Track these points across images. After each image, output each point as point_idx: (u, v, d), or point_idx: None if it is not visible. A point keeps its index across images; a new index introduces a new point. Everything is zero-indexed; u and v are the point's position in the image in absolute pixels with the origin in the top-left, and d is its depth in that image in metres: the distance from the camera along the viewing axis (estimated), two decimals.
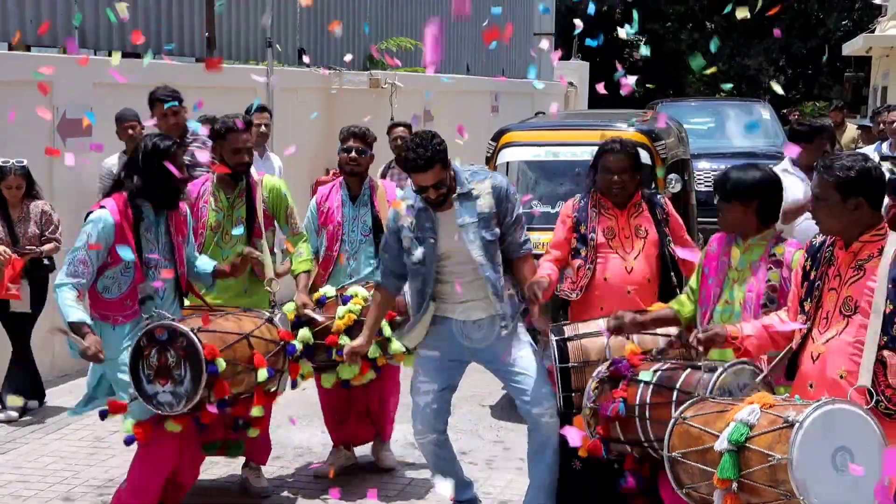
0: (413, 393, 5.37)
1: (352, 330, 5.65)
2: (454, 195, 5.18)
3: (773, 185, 4.66)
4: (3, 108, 7.40)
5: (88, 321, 4.89)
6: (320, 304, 5.84)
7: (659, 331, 4.92)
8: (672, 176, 7.71)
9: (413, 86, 12.92)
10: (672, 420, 4.04)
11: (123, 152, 7.90)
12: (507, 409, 7.11)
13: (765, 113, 16.27)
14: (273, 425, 6.54)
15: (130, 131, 7.85)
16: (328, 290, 5.91)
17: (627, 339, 4.89)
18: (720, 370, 4.23)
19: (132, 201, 5.05)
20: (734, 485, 3.72)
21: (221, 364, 4.75)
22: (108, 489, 5.81)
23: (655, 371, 4.51)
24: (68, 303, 4.89)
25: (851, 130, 13.34)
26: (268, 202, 5.94)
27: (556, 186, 7.85)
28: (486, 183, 5.22)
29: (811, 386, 3.92)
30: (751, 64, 33.67)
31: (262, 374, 5.01)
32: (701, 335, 4.28)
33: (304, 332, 5.70)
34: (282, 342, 5.24)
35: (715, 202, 4.70)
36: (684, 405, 4.07)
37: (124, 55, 10.09)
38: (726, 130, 15.74)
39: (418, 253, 5.19)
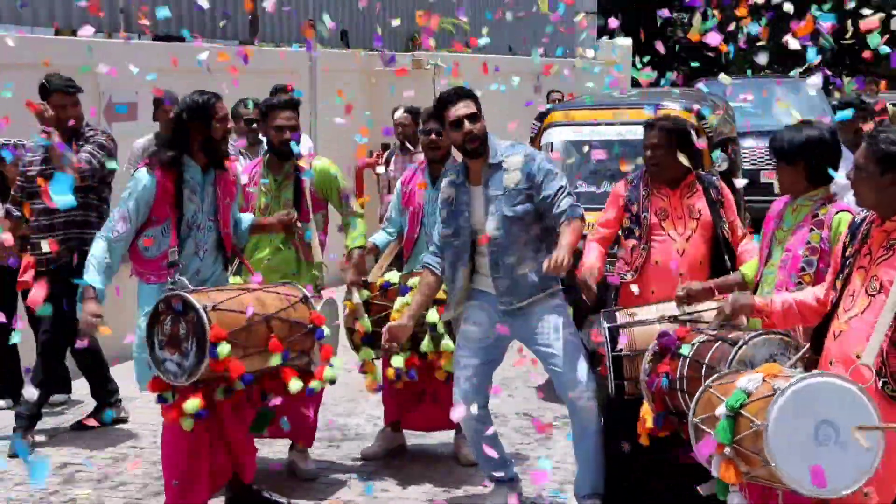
0: (454, 367, 5.35)
1: None
2: (486, 164, 5.14)
3: (823, 145, 4.51)
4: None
5: (96, 285, 4.92)
6: (383, 290, 5.84)
7: (712, 304, 4.83)
8: (718, 154, 7.61)
9: (454, 65, 12.84)
10: (701, 388, 4.04)
11: (157, 134, 7.98)
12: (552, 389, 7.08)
13: (811, 90, 16.02)
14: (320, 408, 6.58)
15: (170, 115, 7.90)
16: (392, 277, 5.90)
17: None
18: (740, 343, 4.26)
19: (170, 159, 5.06)
20: (728, 450, 3.70)
21: (224, 349, 4.69)
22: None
23: (693, 344, 4.55)
24: (92, 260, 4.97)
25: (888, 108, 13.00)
26: (317, 184, 5.94)
27: (601, 166, 7.78)
28: (518, 157, 5.13)
29: (831, 363, 3.88)
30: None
31: (276, 359, 4.90)
32: (727, 309, 4.28)
33: (364, 321, 5.73)
34: (311, 325, 5.09)
35: (761, 178, 4.68)
36: (715, 375, 4.07)
37: (168, 39, 10.21)
38: (772, 107, 15.52)
39: (453, 225, 5.19)
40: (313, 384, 5.12)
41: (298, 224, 5.61)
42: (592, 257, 5.52)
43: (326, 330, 5.14)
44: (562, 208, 5.02)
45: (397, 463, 6.12)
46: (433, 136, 5.98)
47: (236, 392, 4.94)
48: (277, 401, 5.06)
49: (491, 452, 5.30)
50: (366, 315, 5.81)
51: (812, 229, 4.45)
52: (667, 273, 5.38)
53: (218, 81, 7.98)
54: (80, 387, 7.19)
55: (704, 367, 4.40)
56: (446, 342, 5.65)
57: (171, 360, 4.77)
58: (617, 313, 5.16)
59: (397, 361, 5.69)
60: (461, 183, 5.22)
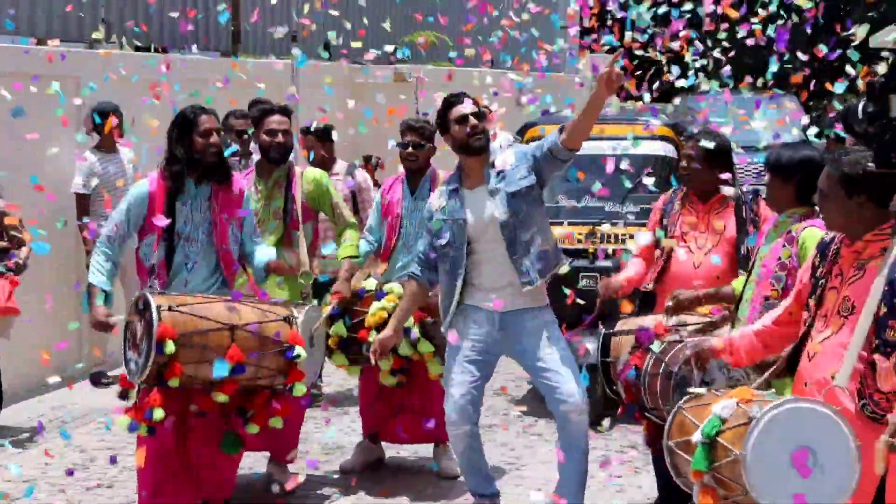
0: (447, 384, 5.34)
1: (383, 327, 5.63)
2: (487, 163, 5.21)
3: (817, 166, 4.47)
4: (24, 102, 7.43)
5: (104, 287, 5.10)
6: (359, 296, 5.88)
7: (698, 318, 4.97)
8: None
9: (438, 80, 12.86)
10: (673, 409, 4.07)
11: (96, 147, 8.07)
12: (533, 402, 7.08)
13: (792, 105, 16.14)
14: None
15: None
16: (368, 284, 5.95)
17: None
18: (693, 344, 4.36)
19: (171, 173, 5.14)
20: (707, 478, 3.71)
21: (170, 347, 4.69)
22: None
23: (664, 342, 4.68)
24: (94, 265, 5.16)
25: None
26: (308, 195, 5.97)
27: (583, 181, 7.79)
28: (509, 152, 5.25)
29: (805, 384, 3.87)
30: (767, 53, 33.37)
31: (223, 369, 4.76)
32: (689, 351, 4.33)
33: (338, 326, 5.76)
34: (286, 345, 5.02)
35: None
36: (687, 396, 4.09)
37: (148, 50, 10.18)
38: (750, 122, 15.56)
39: (445, 235, 5.20)
40: (273, 422, 5.08)
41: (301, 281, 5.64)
42: (629, 272, 5.63)
43: (300, 351, 5.04)
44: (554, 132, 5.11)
45: (376, 476, 6.11)
46: (411, 148, 6.04)
47: (212, 409, 4.91)
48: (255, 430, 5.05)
49: (478, 468, 5.33)
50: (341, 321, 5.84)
51: (784, 245, 4.48)
52: (684, 285, 5.33)
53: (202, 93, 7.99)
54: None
55: (663, 365, 4.53)
56: (425, 346, 5.70)
57: (132, 360, 4.84)
58: (620, 321, 5.26)
59: (385, 365, 5.70)
60: (454, 190, 5.25)
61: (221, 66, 9.87)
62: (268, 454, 5.95)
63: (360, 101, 10.94)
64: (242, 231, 5.33)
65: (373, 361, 5.41)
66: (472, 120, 5.18)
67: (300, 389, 5.08)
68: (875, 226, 3.79)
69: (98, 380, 8.07)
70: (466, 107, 5.21)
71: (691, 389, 4.14)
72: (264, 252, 5.43)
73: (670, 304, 4.91)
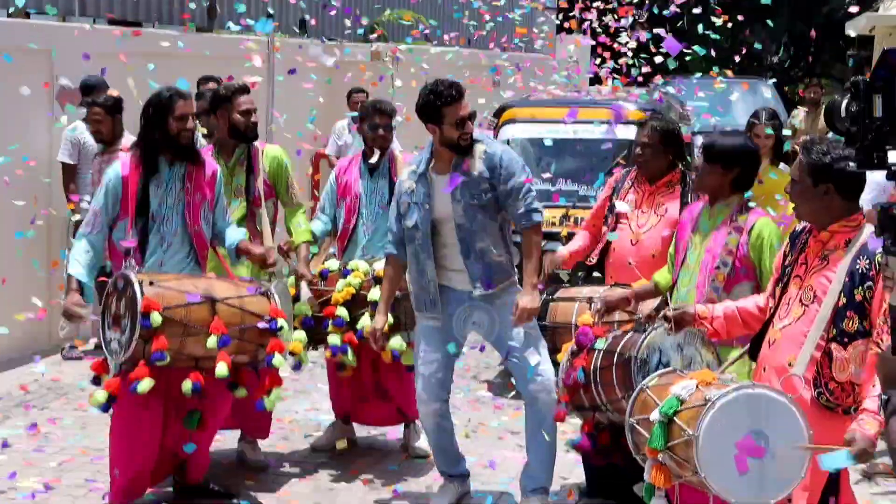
0: (417, 363, 5.36)
1: (350, 304, 5.70)
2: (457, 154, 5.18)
3: (754, 156, 4.90)
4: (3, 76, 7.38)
5: (80, 277, 5.06)
6: (323, 277, 5.89)
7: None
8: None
9: (415, 58, 12.84)
10: (637, 388, 4.15)
11: (84, 120, 7.97)
12: (503, 385, 7.12)
13: (767, 92, 16.22)
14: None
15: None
16: (331, 264, 5.95)
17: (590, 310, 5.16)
18: (649, 329, 4.52)
19: (144, 155, 5.13)
20: (662, 456, 3.79)
21: (156, 319, 4.71)
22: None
23: (607, 339, 4.82)
24: (74, 255, 5.14)
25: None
26: (268, 172, 5.98)
27: (558, 164, 7.83)
28: (481, 146, 5.19)
29: (765, 370, 3.94)
30: (753, 41, 33.47)
31: (212, 340, 4.85)
32: (670, 313, 4.35)
33: (302, 306, 5.76)
34: (267, 317, 5.06)
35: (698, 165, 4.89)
36: (652, 375, 4.18)
37: (122, 24, 10.12)
38: (730, 108, 15.66)
39: (413, 217, 5.21)
40: (268, 401, 5.14)
41: (275, 265, 5.59)
42: (572, 246, 5.89)
43: (283, 323, 5.10)
44: (521, 211, 5.15)
45: (347, 455, 6.13)
46: (382, 131, 6.05)
47: (204, 389, 4.90)
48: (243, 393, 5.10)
49: (447, 447, 5.38)
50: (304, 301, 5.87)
51: (730, 233, 4.65)
52: (622, 261, 5.61)
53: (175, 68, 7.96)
54: None
55: (616, 355, 4.63)
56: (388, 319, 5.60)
57: (114, 339, 4.85)
58: (563, 289, 5.58)
59: (334, 340, 5.69)
60: (422, 174, 5.24)
61: (197, 41, 9.80)
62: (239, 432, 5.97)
63: (337, 79, 10.98)
64: (214, 212, 5.33)
65: (375, 348, 5.41)
66: (468, 125, 5.14)
67: (279, 360, 5.07)
68: (842, 217, 3.84)
69: (70, 355, 8.03)
70: (466, 108, 5.14)
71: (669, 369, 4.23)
72: (235, 232, 5.45)
73: (599, 307, 5.00)
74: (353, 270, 5.80)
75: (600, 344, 4.81)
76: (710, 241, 4.69)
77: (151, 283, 4.82)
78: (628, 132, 7.85)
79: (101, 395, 4.92)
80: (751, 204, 4.84)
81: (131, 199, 5.10)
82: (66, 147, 7.99)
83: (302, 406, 6.90)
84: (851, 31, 23.84)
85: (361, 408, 6.20)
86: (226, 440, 6.07)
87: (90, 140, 7.94)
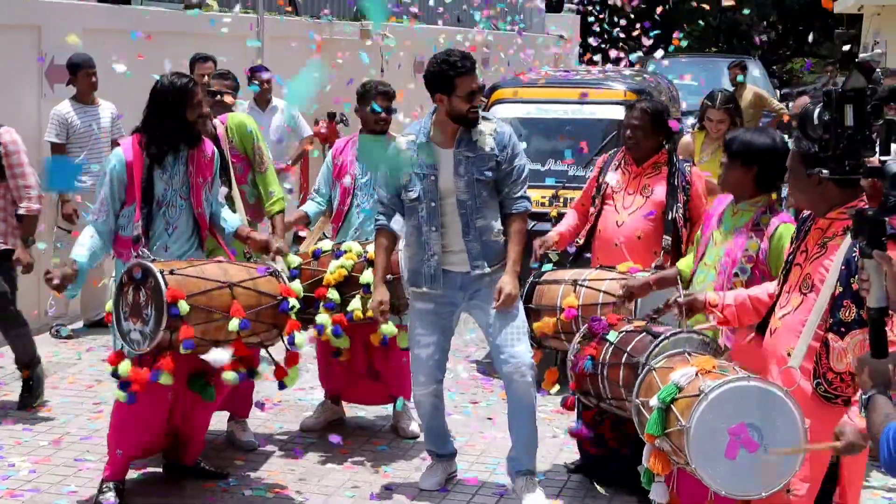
0: (413, 346, 5.36)
1: (342, 285, 5.70)
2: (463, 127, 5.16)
3: (779, 154, 4.41)
4: None
5: (80, 260, 5.04)
6: (315, 257, 5.88)
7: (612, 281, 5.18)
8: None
9: (404, 37, 12.80)
10: (645, 368, 4.13)
11: (73, 98, 7.94)
12: (492, 365, 7.12)
13: (755, 70, 16.23)
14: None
15: (93, 79, 7.94)
16: (324, 244, 5.94)
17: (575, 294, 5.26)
18: (661, 337, 4.32)
19: (150, 140, 5.12)
20: (659, 441, 3.80)
21: (184, 307, 4.72)
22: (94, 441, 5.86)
23: (621, 332, 4.67)
24: (80, 239, 5.15)
25: (749, 93, 12.68)
26: (236, 140, 6.08)
27: (546, 144, 7.84)
28: (490, 124, 5.18)
29: (768, 359, 3.93)
30: (742, 19, 33.47)
31: (234, 323, 4.88)
32: (681, 300, 4.31)
33: (295, 286, 5.74)
34: (280, 297, 5.10)
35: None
36: (661, 356, 4.15)
37: (113, 1, 10.05)
38: (718, 87, 15.64)
39: (416, 188, 5.17)
40: (289, 380, 5.18)
41: (277, 248, 5.55)
42: (562, 226, 5.87)
43: (293, 302, 5.12)
44: (515, 195, 5.16)
45: (337, 436, 6.15)
46: (384, 114, 6.06)
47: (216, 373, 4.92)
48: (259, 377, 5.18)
49: (438, 428, 5.42)
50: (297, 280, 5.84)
51: (751, 237, 4.44)
52: (608, 242, 5.64)
53: (161, 47, 7.94)
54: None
55: (626, 355, 4.51)
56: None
57: (134, 330, 4.82)
58: (552, 272, 5.55)
59: (322, 319, 5.66)
60: (425, 144, 5.19)
61: (186, 18, 9.75)
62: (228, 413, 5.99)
63: (325, 58, 10.94)
64: (212, 193, 5.36)
65: (382, 321, 5.38)
66: (477, 98, 5.13)
67: (301, 340, 5.08)
68: (839, 204, 3.77)
69: (58, 332, 8.04)
70: (475, 81, 5.11)
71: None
72: (231, 216, 5.49)
73: (623, 293, 4.90)
74: (345, 252, 5.78)
75: (612, 336, 4.67)
76: (730, 243, 4.50)
77: (172, 273, 4.80)
78: (617, 112, 7.87)
79: (123, 391, 4.90)
80: (781, 206, 4.67)
81: (137, 186, 5.09)
82: (54, 126, 7.89)
83: (290, 386, 6.90)
84: (840, 9, 23.89)
85: (352, 387, 6.22)
86: (215, 421, 6.09)
87: (77, 119, 7.89)
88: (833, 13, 25.91)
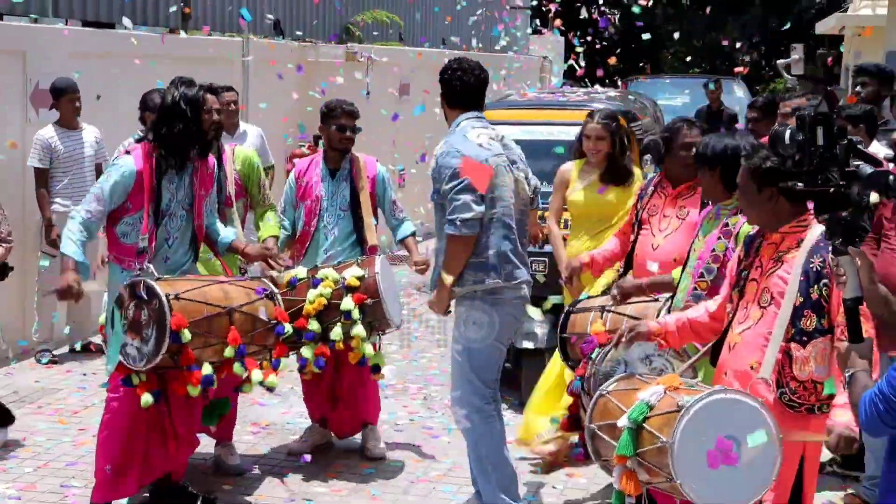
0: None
1: (322, 314, 5.61)
2: None
3: (737, 156, 4.44)
4: None
5: (79, 259, 4.98)
6: (291, 285, 5.74)
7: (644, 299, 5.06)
8: (647, 157, 7.71)
9: (389, 59, 12.86)
10: (596, 393, 4.14)
11: (56, 122, 7.92)
12: None
13: (738, 90, 16.34)
14: (248, 401, 6.59)
15: (77, 104, 7.90)
16: (300, 272, 5.80)
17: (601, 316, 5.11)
18: (612, 340, 4.42)
19: (161, 149, 5.11)
20: (631, 462, 3.79)
21: (186, 336, 4.76)
22: (79, 465, 5.83)
23: (602, 348, 4.69)
24: (69, 234, 5.02)
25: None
26: (240, 172, 6.05)
27: (532, 165, 7.84)
28: (439, 146, 5.12)
29: (726, 374, 3.97)
30: (725, 40, 33.67)
31: (229, 351, 4.93)
32: (625, 329, 4.35)
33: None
34: (273, 322, 5.15)
35: None
36: (611, 379, 4.18)
37: (98, 25, 10.07)
38: (702, 106, 15.75)
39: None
40: (270, 379, 5.20)
41: (280, 261, 5.61)
42: (602, 249, 5.69)
43: (287, 327, 5.20)
44: (449, 217, 4.97)
45: (323, 459, 6.13)
46: (348, 132, 6.05)
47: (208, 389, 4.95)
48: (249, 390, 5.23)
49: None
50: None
51: (720, 237, 4.55)
52: (643, 267, 5.42)
53: (147, 69, 7.95)
54: None
55: (597, 367, 4.56)
56: (357, 329, 5.59)
57: (131, 345, 4.83)
58: (582, 301, 5.41)
59: (306, 352, 5.60)
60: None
61: (171, 41, 9.77)
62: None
63: (311, 80, 10.97)
64: (210, 205, 5.39)
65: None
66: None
67: (273, 381, 5.21)
68: (791, 219, 3.89)
69: (39, 360, 7.98)
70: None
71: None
72: (224, 230, 5.51)
73: (614, 293, 4.96)
74: (322, 280, 5.68)
75: (595, 354, 4.70)
76: (703, 247, 4.64)
77: (177, 298, 4.81)
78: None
79: (147, 398, 4.93)
80: None
81: (147, 195, 5.07)
82: (37, 151, 7.84)
83: (278, 410, 6.90)
84: (821, 30, 24.08)
85: (333, 416, 6.23)
86: (202, 445, 6.06)
87: (60, 144, 7.86)
88: (815, 34, 26.13)
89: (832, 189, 3.20)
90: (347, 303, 5.59)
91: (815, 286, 3.79)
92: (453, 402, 5.13)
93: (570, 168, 6.63)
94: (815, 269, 3.79)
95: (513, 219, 5.10)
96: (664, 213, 5.52)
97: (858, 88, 7.62)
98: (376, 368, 5.85)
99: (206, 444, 6.04)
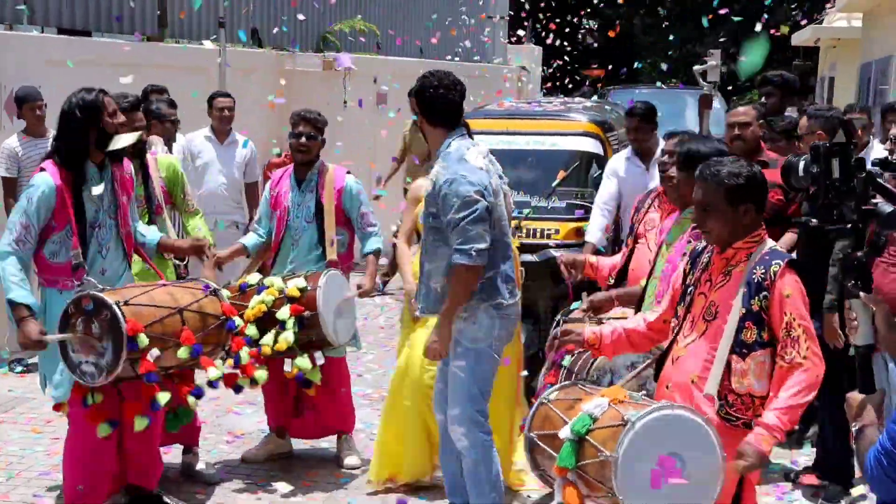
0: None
1: (262, 321, 5.55)
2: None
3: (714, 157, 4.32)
4: None
5: (30, 302, 4.83)
6: (242, 291, 5.72)
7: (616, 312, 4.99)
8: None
9: (366, 68, 12.84)
10: (537, 401, 4.08)
11: (23, 131, 7.88)
12: None
13: (716, 101, 16.38)
14: (223, 410, 6.55)
15: (38, 112, 7.84)
16: (251, 278, 5.82)
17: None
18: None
19: (72, 163, 4.98)
20: (571, 474, 3.72)
21: (143, 340, 4.68)
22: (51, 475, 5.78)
23: (573, 355, 4.66)
24: (11, 278, 4.84)
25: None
26: (165, 179, 6.12)
27: (509, 175, 7.84)
28: (435, 167, 4.93)
29: (668, 387, 3.91)
30: (702, 51, 33.84)
31: (183, 352, 4.85)
32: (560, 336, 4.32)
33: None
34: (223, 317, 5.10)
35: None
36: (552, 388, 4.14)
37: (73, 33, 10.02)
38: (681, 118, 15.83)
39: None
40: (241, 381, 5.24)
41: (210, 249, 5.59)
42: (606, 259, 5.60)
43: (238, 321, 5.20)
44: (453, 247, 4.76)
45: (299, 468, 6.09)
46: (304, 139, 5.99)
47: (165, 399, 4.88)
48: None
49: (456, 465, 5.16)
50: None
51: (690, 241, 4.49)
52: (638, 280, 5.30)
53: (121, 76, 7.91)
54: None
55: (574, 375, 4.53)
56: (285, 335, 5.51)
57: (86, 362, 4.72)
58: (575, 310, 5.26)
59: (244, 356, 5.42)
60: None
61: (148, 50, 9.74)
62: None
63: (288, 90, 10.95)
64: (132, 210, 5.34)
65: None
66: None
67: (245, 356, 5.21)
68: (748, 233, 3.84)
69: (13, 369, 7.91)
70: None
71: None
72: (147, 230, 5.50)
73: (585, 307, 4.91)
74: (267, 287, 5.66)
75: (566, 361, 4.67)
76: (672, 251, 4.60)
77: (126, 304, 4.73)
78: (579, 143, 7.92)
79: (104, 428, 4.92)
80: None
81: (70, 210, 4.94)
82: (3, 161, 7.79)
83: (252, 420, 6.86)
84: (797, 42, 24.26)
85: (295, 422, 6.20)
86: (175, 454, 6.03)
87: (27, 153, 7.80)
88: (791, 46, 26.32)
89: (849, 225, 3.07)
90: (284, 312, 5.56)
91: (756, 297, 3.73)
92: (451, 422, 4.95)
93: (423, 185, 6.53)
94: (756, 280, 3.74)
95: (509, 237, 5.03)
96: (661, 229, 5.52)
97: (763, 99, 7.65)
98: (307, 383, 5.73)
99: (179, 454, 6.01)
